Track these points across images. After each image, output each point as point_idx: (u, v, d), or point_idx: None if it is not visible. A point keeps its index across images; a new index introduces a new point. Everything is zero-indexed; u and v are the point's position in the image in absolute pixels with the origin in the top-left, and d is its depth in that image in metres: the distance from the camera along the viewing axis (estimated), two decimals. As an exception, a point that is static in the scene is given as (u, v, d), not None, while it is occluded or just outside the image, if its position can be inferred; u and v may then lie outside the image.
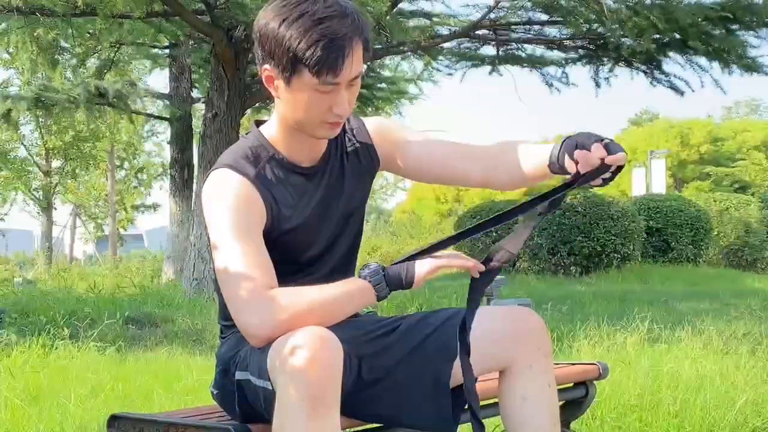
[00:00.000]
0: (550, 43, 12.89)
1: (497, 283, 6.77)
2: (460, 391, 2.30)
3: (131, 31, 12.04)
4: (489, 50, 13.35)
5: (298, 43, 2.00)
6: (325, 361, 1.86)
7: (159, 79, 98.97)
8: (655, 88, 11.83)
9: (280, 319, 1.97)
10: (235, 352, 2.21)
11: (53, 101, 12.94)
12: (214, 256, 2.10)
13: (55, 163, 29.85)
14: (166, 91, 16.20)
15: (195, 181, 12.60)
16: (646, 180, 26.75)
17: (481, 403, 2.69)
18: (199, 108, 17.21)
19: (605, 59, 12.57)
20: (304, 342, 1.87)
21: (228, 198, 2.10)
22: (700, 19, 10.63)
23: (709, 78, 12.02)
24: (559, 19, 12.00)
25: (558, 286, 13.43)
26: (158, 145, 32.67)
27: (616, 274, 15.03)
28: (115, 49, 14.12)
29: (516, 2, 12.02)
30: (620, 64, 12.49)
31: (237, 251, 2.05)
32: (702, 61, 11.85)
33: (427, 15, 12.63)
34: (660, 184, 25.91)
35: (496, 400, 2.38)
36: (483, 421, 3.00)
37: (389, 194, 48.74)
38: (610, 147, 2.03)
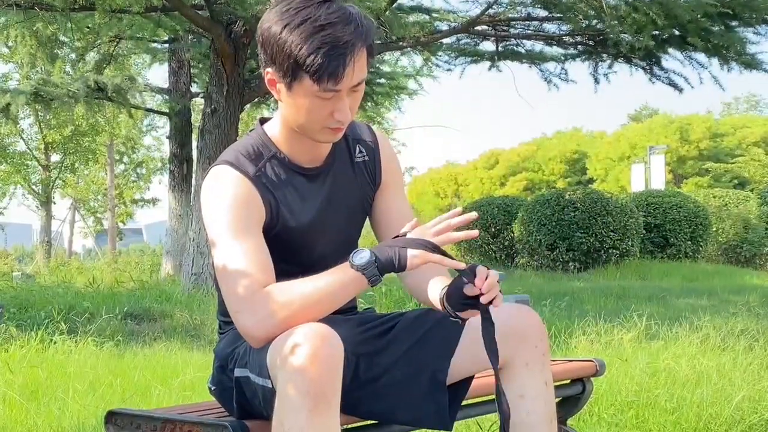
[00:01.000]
0: (550, 39, 12.88)
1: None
2: (457, 388, 2.32)
3: (130, 25, 12.03)
4: (488, 46, 13.35)
5: (300, 50, 1.98)
6: (326, 359, 1.86)
7: (158, 74, 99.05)
8: (654, 85, 11.78)
9: (277, 319, 1.97)
10: (233, 349, 2.21)
11: (52, 95, 12.92)
12: (213, 254, 2.10)
13: (54, 157, 29.83)
14: (165, 85, 16.19)
15: (194, 175, 12.58)
16: (645, 176, 26.78)
17: (479, 399, 2.71)
18: (199, 103, 17.20)
19: (604, 55, 12.56)
20: (304, 340, 1.87)
21: (227, 195, 2.10)
22: (699, 16, 10.60)
23: (708, 74, 12.05)
24: (558, 15, 11.99)
25: (556, 281, 13.45)
26: (157, 139, 32.59)
27: (615, 270, 15.04)
28: (114, 43, 14.13)
29: (515, -2, 12.03)
30: (619, 60, 12.47)
31: (235, 250, 2.05)
32: (701, 57, 11.84)
33: (427, 11, 12.61)
34: (659, 180, 25.95)
35: (492, 396, 2.39)
36: (480, 418, 3.03)
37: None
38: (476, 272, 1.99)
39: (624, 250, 15.79)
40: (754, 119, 45.56)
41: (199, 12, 10.47)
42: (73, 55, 14.77)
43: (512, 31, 12.83)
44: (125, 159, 33.90)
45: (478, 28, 12.59)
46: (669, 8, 10.41)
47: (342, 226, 2.29)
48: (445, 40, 13.04)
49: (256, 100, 13.37)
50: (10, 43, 17.57)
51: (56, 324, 6.80)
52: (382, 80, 15.60)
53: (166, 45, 15.22)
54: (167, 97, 15.82)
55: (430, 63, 14.06)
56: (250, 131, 2.29)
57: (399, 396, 2.23)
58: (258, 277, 2.02)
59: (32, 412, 3.97)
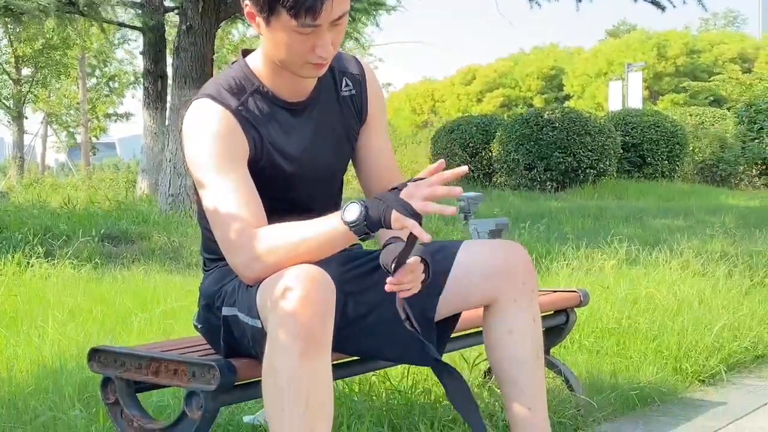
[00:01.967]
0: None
1: (475, 199, 6.68)
2: (444, 325, 2.31)
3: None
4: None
5: None
6: (317, 302, 1.84)
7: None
8: (636, 3, 11.65)
9: (263, 263, 1.95)
10: (220, 287, 2.18)
11: (22, 9, 12.57)
12: (201, 194, 2.07)
13: (26, 72, 29.46)
14: (138, -1, 15.79)
15: (169, 93, 12.37)
16: (622, 93, 26.72)
17: (467, 331, 2.72)
18: (173, 18, 16.83)
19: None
20: (296, 283, 1.84)
21: (209, 129, 2.05)
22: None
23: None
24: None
25: (534, 201, 13.48)
26: (129, 52, 32.14)
27: (592, 190, 15.11)
28: (85, -45, 13.69)
29: None
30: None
31: (221, 187, 2.01)
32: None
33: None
34: (636, 98, 25.92)
35: (480, 329, 2.39)
36: (468, 349, 3.05)
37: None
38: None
39: (601, 170, 15.84)
40: (731, 35, 45.48)
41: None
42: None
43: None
44: (97, 73, 33.48)
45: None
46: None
47: (330, 160, 2.25)
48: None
49: (233, 15, 13.08)
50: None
51: (32, 246, 6.73)
52: (360, -5, 15.30)
53: (139, -43, 14.80)
54: (140, 11, 15.44)
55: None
56: (233, 63, 2.23)
57: (387, 333, 2.23)
58: (245, 217, 1.99)
59: (11, 340, 3.93)
